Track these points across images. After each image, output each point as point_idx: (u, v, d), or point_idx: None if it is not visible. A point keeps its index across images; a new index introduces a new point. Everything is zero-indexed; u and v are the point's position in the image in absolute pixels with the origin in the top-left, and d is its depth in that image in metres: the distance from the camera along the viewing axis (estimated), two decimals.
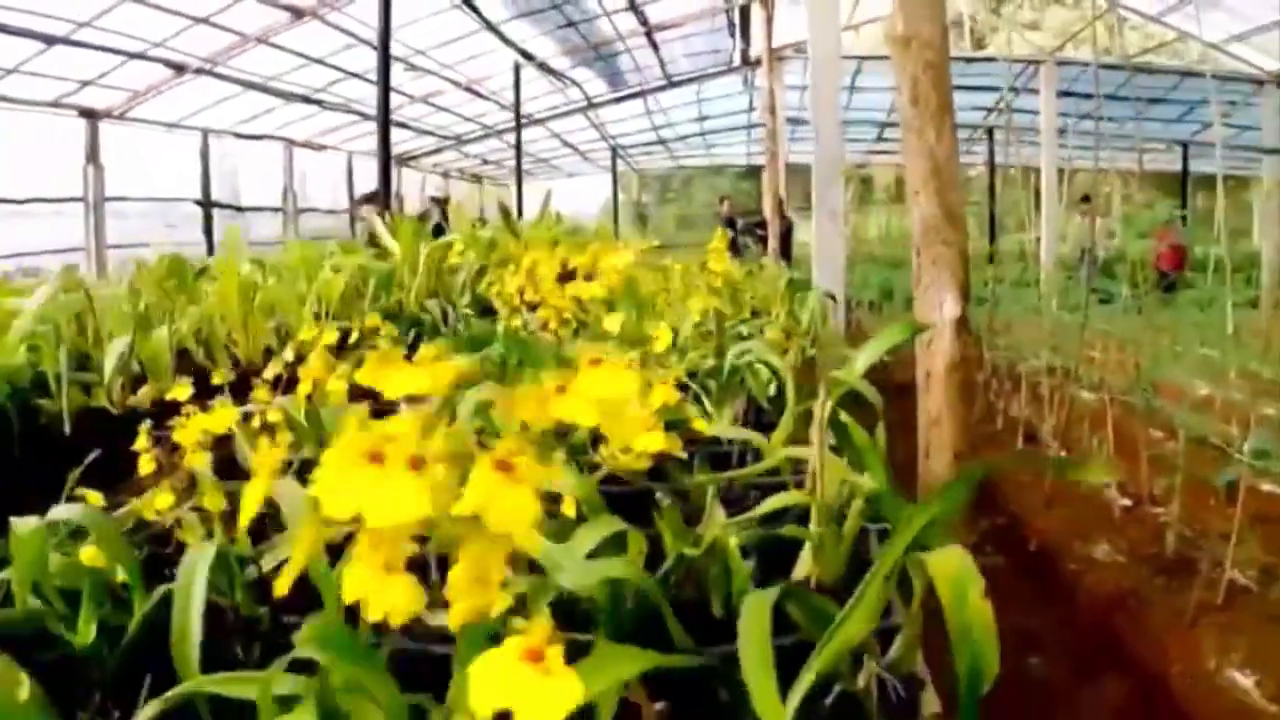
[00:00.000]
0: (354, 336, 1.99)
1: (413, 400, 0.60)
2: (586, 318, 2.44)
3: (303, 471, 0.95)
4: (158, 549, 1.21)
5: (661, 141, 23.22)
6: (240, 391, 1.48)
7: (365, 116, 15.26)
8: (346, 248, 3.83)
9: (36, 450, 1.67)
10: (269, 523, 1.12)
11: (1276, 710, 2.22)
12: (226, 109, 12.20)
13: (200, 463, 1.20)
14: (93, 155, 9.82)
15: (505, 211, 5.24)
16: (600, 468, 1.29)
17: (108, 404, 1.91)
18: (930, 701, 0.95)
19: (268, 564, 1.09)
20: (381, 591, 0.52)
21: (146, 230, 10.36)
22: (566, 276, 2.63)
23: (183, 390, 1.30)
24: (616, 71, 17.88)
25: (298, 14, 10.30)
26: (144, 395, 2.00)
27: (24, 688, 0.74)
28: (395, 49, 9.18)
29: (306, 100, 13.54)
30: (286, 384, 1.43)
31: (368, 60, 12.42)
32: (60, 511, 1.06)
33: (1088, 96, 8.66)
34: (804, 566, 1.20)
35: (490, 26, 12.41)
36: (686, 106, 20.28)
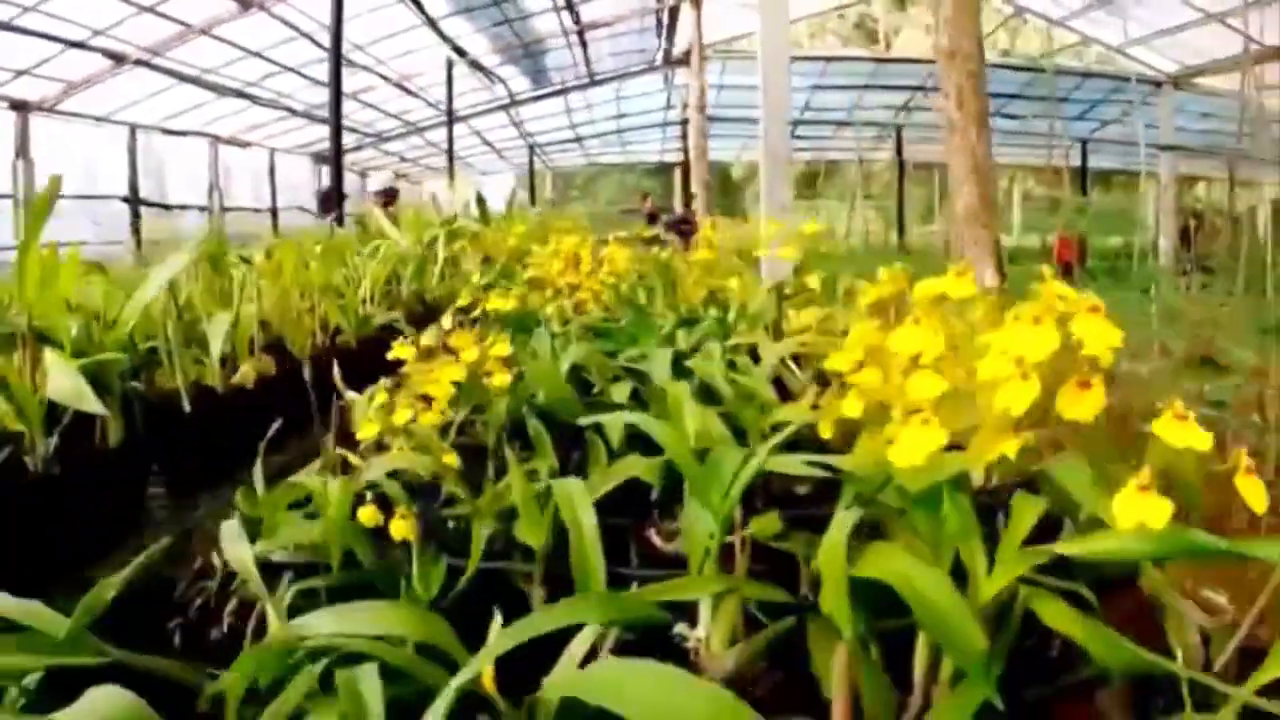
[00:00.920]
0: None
1: None
2: (614, 296, 2.83)
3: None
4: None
5: (578, 139, 23.40)
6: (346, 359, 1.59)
7: (293, 112, 14.98)
8: (363, 238, 4.03)
9: (161, 427, 1.71)
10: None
11: None
12: (155, 104, 11.81)
13: (433, 420, 1.25)
14: (23, 149, 9.42)
15: (482, 205, 5.51)
16: None
17: (214, 382, 1.95)
18: None
19: None
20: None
21: (73, 229, 9.98)
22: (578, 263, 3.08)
23: (405, 350, 1.38)
24: (541, 69, 18.04)
25: (245, 5, 10.16)
26: (245, 373, 2.05)
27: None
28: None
29: (239, 95, 13.28)
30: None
31: (306, 54, 12.24)
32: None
33: (995, 96, 9.42)
34: None
35: (430, 22, 12.50)
36: (606, 104, 20.60)
